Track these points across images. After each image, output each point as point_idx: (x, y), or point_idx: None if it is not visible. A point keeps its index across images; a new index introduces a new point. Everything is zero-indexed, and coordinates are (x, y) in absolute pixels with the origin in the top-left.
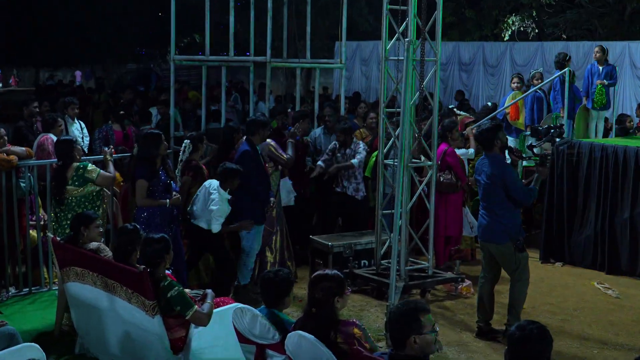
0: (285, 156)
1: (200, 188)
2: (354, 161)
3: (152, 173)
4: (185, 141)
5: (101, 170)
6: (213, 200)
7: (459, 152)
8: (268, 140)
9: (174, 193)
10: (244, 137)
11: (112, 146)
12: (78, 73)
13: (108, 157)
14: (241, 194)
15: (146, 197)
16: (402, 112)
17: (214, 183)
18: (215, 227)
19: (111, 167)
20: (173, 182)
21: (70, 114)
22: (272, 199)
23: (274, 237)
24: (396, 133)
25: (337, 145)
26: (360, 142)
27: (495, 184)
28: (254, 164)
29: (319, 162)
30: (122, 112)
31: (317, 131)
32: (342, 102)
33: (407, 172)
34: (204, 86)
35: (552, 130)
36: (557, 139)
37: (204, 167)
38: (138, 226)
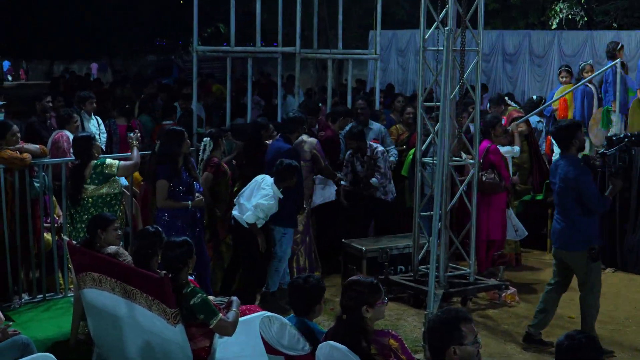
0: (324, 162)
1: (250, 183)
2: (373, 181)
3: (174, 173)
4: (205, 139)
5: (121, 162)
6: (265, 194)
7: (502, 149)
8: (312, 138)
9: (197, 194)
10: (278, 135)
11: (137, 130)
12: (94, 65)
13: (134, 142)
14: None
15: (167, 198)
16: (442, 107)
17: (267, 179)
18: (250, 217)
19: (135, 152)
20: (196, 182)
21: (87, 109)
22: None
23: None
24: (435, 129)
25: (352, 154)
26: (379, 145)
27: (568, 187)
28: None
29: (343, 182)
30: (127, 106)
31: (349, 126)
32: (377, 95)
33: (446, 171)
34: (228, 79)
35: (626, 139)
36: (633, 149)
37: (225, 164)
38: (160, 229)
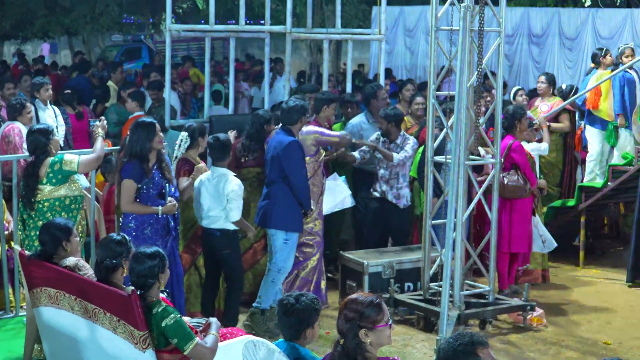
0: (336, 135)
1: (197, 184)
2: (395, 157)
3: (143, 172)
4: (183, 133)
5: (81, 156)
6: (225, 183)
7: (527, 146)
8: (309, 126)
9: (169, 199)
10: (279, 126)
11: (103, 118)
12: (45, 46)
13: (99, 130)
14: (279, 195)
15: (135, 201)
16: (457, 96)
17: (210, 172)
18: (235, 215)
19: (99, 144)
20: (169, 184)
21: (42, 98)
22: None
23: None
24: (449, 122)
25: (380, 137)
26: (411, 137)
27: None
28: (300, 159)
29: (355, 153)
30: (68, 92)
31: (358, 120)
32: (382, 82)
33: (462, 172)
34: (207, 63)
35: None
36: None
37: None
38: (126, 237)
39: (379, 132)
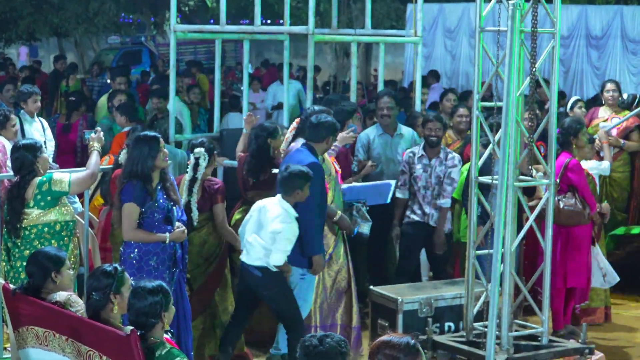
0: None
1: (250, 212)
2: (443, 202)
3: (146, 194)
4: (198, 149)
5: (73, 175)
6: (275, 216)
7: (586, 165)
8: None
9: (177, 224)
10: (301, 143)
11: (99, 129)
12: (23, 50)
13: (94, 144)
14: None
15: (137, 228)
16: (505, 108)
17: (269, 200)
18: (278, 259)
19: (94, 158)
20: (176, 206)
21: (29, 109)
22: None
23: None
24: (496, 138)
25: (420, 152)
26: (453, 152)
27: None
28: (317, 186)
29: (398, 193)
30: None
31: (371, 131)
32: (418, 90)
33: (511, 195)
34: (217, 68)
35: None
36: None
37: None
38: (119, 267)
39: (415, 149)
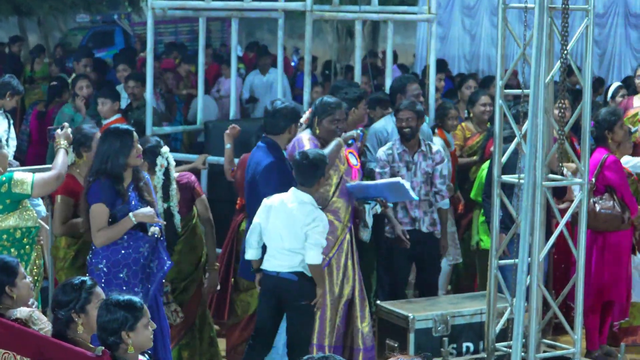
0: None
1: (259, 213)
2: (442, 204)
3: (116, 195)
4: (165, 149)
5: (36, 175)
6: (301, 211)
7: (626, 162)
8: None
9: (153, 229)
10: (262, 139)
11: (66, 124)
12: None
13: (61, 142)
14: None
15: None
16: (533, 96)
17: (279, 197)
18: (315, 255)
19: (61, 157)
20: (152, 209)
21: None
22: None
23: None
24: (522, 130)
25: (399, 147)
26: (436, 143)
27: None
28: (277, 187)
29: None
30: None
31: (382, 124)
32: (432, 76)
33: (540, 197)
34: (201, 50)
35: None
36: None
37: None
38: (89, 280)
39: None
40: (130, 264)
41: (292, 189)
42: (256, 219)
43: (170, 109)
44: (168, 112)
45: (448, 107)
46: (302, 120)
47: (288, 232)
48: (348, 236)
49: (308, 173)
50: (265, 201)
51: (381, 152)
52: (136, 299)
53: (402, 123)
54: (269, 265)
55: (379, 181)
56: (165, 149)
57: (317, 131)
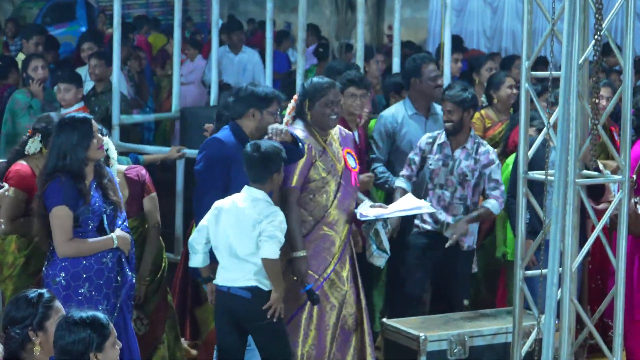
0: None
1: (208, 216)
2: (491, 205)
3: (79, 195)
4: (105, 139)
5: None
6: (254, 211)
7: None
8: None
9: (119, 233)
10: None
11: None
12: None
13: None
14: None
15: (73, 238)
16: (564, 79)
17: (232, 198)
18: (270, 248)
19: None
20: (118, 210)
21: None
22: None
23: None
24: (551, 120)
25: (442, 138)
26: (486, 142)
27: None
28: (214, 166)
29: (399, 181)
30: None
31: (392, 111)
32: (447, 56)
33: (572, 196)
34: (177, 26)
35: None
36: None
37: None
38: (46, 293)
39: (433, 134)
40: (93, 277)
41: (245, 187)
42: (203, 221)
43: (141, 94)
44: (138, 98)
45: None
46: (287, 109)
47: (238, 235)
48: (348, 253)
49: (260, 167)
50: (216, 203)
51: (424, 138)
52: (100, 314)
53: (443, 116)
54: (220, 278)
55: (398, 209)
56: (105, 139)
57: (309, 117)
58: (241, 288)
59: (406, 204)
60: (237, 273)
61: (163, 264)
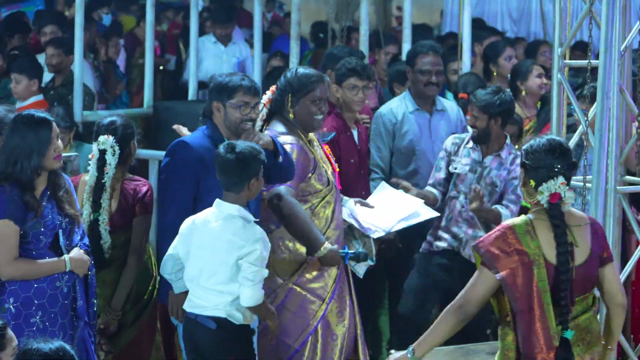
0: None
1: (177, 238)
2: (504, 211)
3: (26, 207)
4: (104, 138)
5: None
6: (229, 232)
7: None
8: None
9: (76, 252)
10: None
11: None
12: None
13: None
14: None
15: (19, 257)
16: (603, 69)
17: (204, 213)
18: (251, 295)
19: None
20: (76, 225)
21: None
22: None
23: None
24: (588, 116)
25: (465, 141)
26: (514, 148)
27: None
28: (200, 179)
29: (429, 187)
30: None
31: (397, 105)
32: (466, 40)
33: (613, 205)
34: (149, 7)
35: None
36: None
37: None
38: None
39: (462, 137)
40: (46, 305)
41: (217, 201)
42: (171, 250)
43: (109, 86)
44: (105, 91)
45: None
46: (263, 100)
47: (210, 260)
48: (344, 270)
49: (235, 172)
50: (186, 222)
51: (450, 139)
52: (66, 345)
53: (468, 120)
54: (188, 304)
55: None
56: (105, 138)
57: (291, 115)
58: (208, 317)
59: (399, 206)
60: (207, 301)
61: (146, 295)
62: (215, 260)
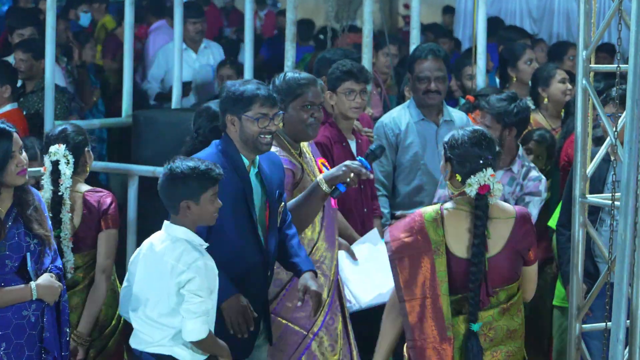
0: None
1: (132, 257)
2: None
3: None
4: (56, 148)
5: None
6: (171, 259)
7: None
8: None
9: (46, 278)
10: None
11: None
12: None
13: None
14: None
15: None
16: (632, 74)
17: (156, 235)
18: (195, 330)
19: None
20: (46, 246)
21: None
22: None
23: None
24: (617, 127)
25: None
26: (537, 168)
27: None
28: (234, 192)
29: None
30: None
31: (401, 115)
32: (481, 42)
33: None
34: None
35: None
36: None
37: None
38: None
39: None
40: (11, 336)
41: (165, 222)
42: (125, 282)
43: (83, 94)
44: (79, 99)
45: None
46: None
47: (153, 288)
48: (337, 298)
49: (166, 191)
50: (145, 242)
51: None
52: None
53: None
54: (134, 339)
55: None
56: (56, 148)
57: (280, 124)
58: (152, 355)
59: (382, 277)
60: (150, 336)
61: (114, 321)
62: (159, 289)
